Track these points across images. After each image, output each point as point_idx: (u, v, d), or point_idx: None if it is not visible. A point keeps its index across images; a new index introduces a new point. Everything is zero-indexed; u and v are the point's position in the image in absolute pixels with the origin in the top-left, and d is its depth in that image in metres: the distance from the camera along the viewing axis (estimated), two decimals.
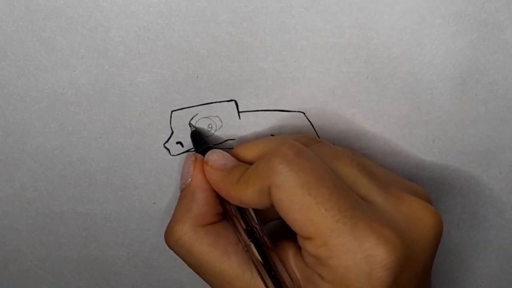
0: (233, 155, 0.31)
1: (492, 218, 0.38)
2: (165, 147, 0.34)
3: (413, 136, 0.34)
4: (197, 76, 0.32)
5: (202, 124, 0.33)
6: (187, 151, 0.34)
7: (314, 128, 0.34)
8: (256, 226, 0.30)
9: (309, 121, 0.34)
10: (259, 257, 0.29)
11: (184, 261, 0.30)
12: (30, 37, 0.30)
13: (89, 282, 0.39)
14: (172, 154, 0.34)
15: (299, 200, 0.26)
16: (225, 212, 0.31)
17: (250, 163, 0.30)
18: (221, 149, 0.32)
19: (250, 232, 0.29)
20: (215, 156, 0.31)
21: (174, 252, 0.31)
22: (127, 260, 0.38)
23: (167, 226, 0.31)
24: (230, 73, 0.32)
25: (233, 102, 0.33)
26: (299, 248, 0.28)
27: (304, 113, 0.33)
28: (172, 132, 0.34)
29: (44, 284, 0.39)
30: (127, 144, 0.34)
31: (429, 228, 0.27)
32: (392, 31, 0.31)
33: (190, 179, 0.31)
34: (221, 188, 0.30)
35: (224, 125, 0.34)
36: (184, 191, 0.31)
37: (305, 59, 0.32)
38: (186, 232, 0.30)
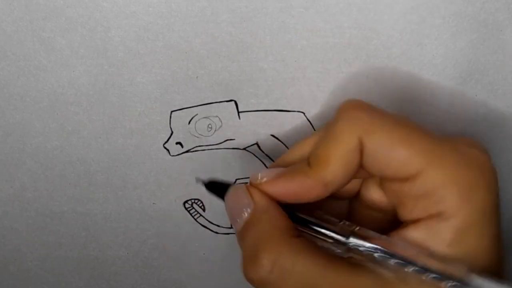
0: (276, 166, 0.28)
1: None
2: (165, 148, 0.34)
3: None
4: (197, 76, 0.32)
5: (202, 124, 0.33)
6: (187, 151, 0.34)
7: (314, 128, 0.34)
8: (338, 222, 0.26)
9: (309, 121, 0.34)
10: (373, 245, 0.25)
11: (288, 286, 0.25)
12: (30, 37, 0.30)
13: (89, 282, 0.39)
14: (171, 154, 0.34)
15: (401, 135, 0.24)
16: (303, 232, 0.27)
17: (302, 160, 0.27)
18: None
19: (347, 243, 0.25)
20: (266, 171, 0.27)
21: (269, 284, 0.25)
22: (127, 260, 0.38)
23: (247, 264, 0.25)
24: (230, 73, 0.32)
25: (233, 102, 0.33)
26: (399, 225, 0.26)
27: (304, 113, 0.33)
28: (172, 133, 0.34)
29: (44, 284, 0.39)
30: (127, 144, 0.34)
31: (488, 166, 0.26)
32: (392, 31, 0.31)
33: (249, 209, 0.27)
34: (291, 188, 0.26)
35: (224, 125, 0.34)
36: (248, 224, 0.26)
37: (305, 59, 0.32)
38: (279, 251, 0.25)
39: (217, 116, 0.33)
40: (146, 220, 0.36)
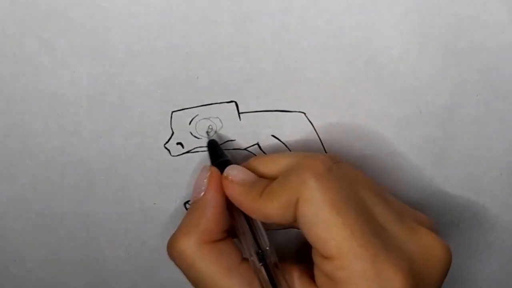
0: (249, 168, 0.31)
1: (493, 219, 0.38)
2: (166, 148, 0.34)
3: (414, 137, 0.34)
4: (198, 77, 0.32)
5: (202, 125, 0.33)
6: (188, 152, 0.34)
7: (314, 129, 0.34)
8: (267, 249, 0.29)
9: (310, 121, 0.34)
10: (267, 281, 0.28)
11: (185, 274, 0.30)
12: (30, 38, 0.30)
13: (89, 282, 0.39)
14: (172, 154, 0.34)
15: (326, 218, 0.26)
16: (237, 230, 0.31)
17: (269, 177, 0.30)
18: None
19: (261, 256, 0.29)
20: (235, 171, 0.30)
21: (175, 263, 0.30)
22: (127, 261, 0.38)
23: (172, 236, 0.30)
24: (230, 74, 0.32)
25: (234, 103, 0.33)
26: (303, 271, 0.29)
27: (304, 114, 0.33)
28: (173, 133, 0.34)
29: (44, 284, 0.39)
30: (128, 144, 0.34)
31: (441, 261, 0.28)
32: (392, 31, 0.31)
33: (203, 193, 0.30)
34: (243, 202, 0.29)
35: (225, 126, 0.34)
36: (195, 204, 0.31)
37: (306, 60, 0.32)
38: (191, 247, 0.29)
39: (217, 117, 0.33)
40: (147, 221, 0.36)
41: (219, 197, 0.30)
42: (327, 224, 0.26)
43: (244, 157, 0.34)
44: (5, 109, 0.33)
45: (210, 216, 0.30)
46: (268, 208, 0.28)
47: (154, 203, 0.36)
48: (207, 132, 0.34)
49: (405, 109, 0.33)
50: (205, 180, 0.31)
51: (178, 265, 0.30)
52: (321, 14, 0.30)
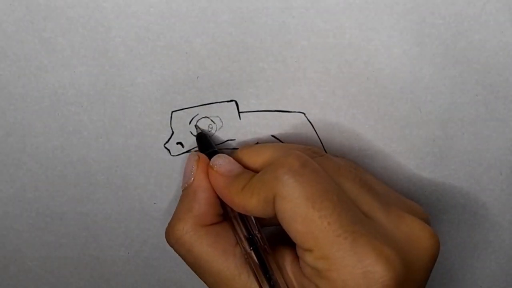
0: (236, 158, 0.31)
1: (493, 218, 0.38)
2: (166, 148, 0.34)
3: (414, 136, 0.34)
4: (198, 77, 0.32)
5: (202, 125, 0.33)
6: (188, 151, 0.34)
7: (314, 129, 0.34)
8: (257, 234, 0.30)
9: (309, 121, 0.34)
10: (258, 264, 0.29)
11: (184, 259, 0.31)
12: (30, 38, 0.30)
13: (89, 282, 0.39)
14: (172, 154, 0.34)
15: (303, 212, 0.26)
16: (226, 215, 0.31)
17: (254, 169, 0.30)
18: (224, 150, 0.32)
19: (251, 240, 0.30)
20: (220, 161, 0.31)
21: (174, 250, 0.31)
22: (127, 260, 0.38)
23: (168, 224, 0.31)
24: (230, 74, 0.32)
25: (234, 102, 0.33)
26: (296, 256, 0.29)
27: (304, 114, 0.33)
28: (173, 133, 0.34)
29: (44, 284, 0.39)
30: (128, 144, 0.34)
31: (427, 249, 0.28)
32: (392, 31, 0.31)
33: (192, 179, 0.31)
34: (225, 195, 0.30)
35: (225, 125, 0.34)
36: (186, 190, 0.31)
37: (306, 60, 0.32)
38: (187, 232, 0.30)
39: (217, 116, 0.33)
40: (147, 220, 0.36)
41: (209, 181, 0.31)
42: (303, 219, 0.26)
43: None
44: (5, 109, 0.33)
45: (202, 200, 0.30)
46: (248, 203, 0.28)
47: (154, 203, 0.36)
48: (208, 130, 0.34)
49: (405, 109, 0.33)
50: (193, 166, 0.31)
51: (177, 251, 0.31)
52: (321, 14, 0.30)
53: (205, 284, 0.31)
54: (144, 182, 0.35)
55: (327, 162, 0.29)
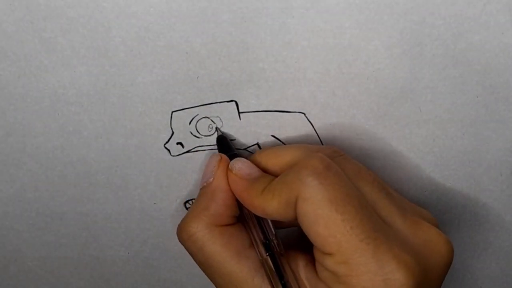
0: (255, 161, 0.31)
1: (493, 219, 0.38)
2: (166, 148, 0.34)
3: (414, 136, 0.34)
4: (198, 77, 0.32)
5: (202, 125, 0.33)
6: (188, 151, 0.34)
7: (314, 129, 0.34)
8: (274, 240, 0.30)
9: (310, 121, 0.34)
10: (274, 270, 0.29)
11: (194, 258, 0.30)
12: (30, 38, 0.30)
13: (89, 282, 0.39)
14: (172, 154, 0.34)
15: (325, 215, 0.26)
16: (243, 218, 0.31)
17: (273, 171, 0.30)
18: (243, 153, 0.31)
19: (267, 245, 0.29)
20: (240, 165, 0.31)
21: (185, 247, 0.31)
22: (128, 260, 0.38)
23: (182, 220, 0.31)
24: (230, 74, 0.32)
25: (234, 102, 0.33)
26: (310, 260, 0.29)
27: (304, 114, 0.33)
28: (173, 133, 0.34)
29: (45, 284, 0.39)
30: (128, 144, 0.34)
31: (443, 256, 0.28)
32: (392, 31, 0.31)
33: (212, 178, 0.31)
34: (245, 198, 0.30)
35: (225, 125, 0.34)
36: (205, 189, 0.31)
37: (306, 60, 0.32)
38: (201, 230, 0.30)
39: (217, 117, 0.33)
40: (147, 220, 0.36)
41: (228, 182, 0.31)
42: (326, 222, 0.26)
43: (244, 157, 0.34)
44: (5, 109, 0.33)
45: (220, 200, 0.30)
46: (268, 206, 0.28)
47: (154, 203, 0.36)
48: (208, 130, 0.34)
49: (405, 108, 0.33)
50: (214, 167, 0.31)
51: (187, 248, 0.30)
52: (321, 14, 0.30)
53: (206, 285, 0.31)
54: (144, 182, 0.35)
55: (347, 163, 0.29)
